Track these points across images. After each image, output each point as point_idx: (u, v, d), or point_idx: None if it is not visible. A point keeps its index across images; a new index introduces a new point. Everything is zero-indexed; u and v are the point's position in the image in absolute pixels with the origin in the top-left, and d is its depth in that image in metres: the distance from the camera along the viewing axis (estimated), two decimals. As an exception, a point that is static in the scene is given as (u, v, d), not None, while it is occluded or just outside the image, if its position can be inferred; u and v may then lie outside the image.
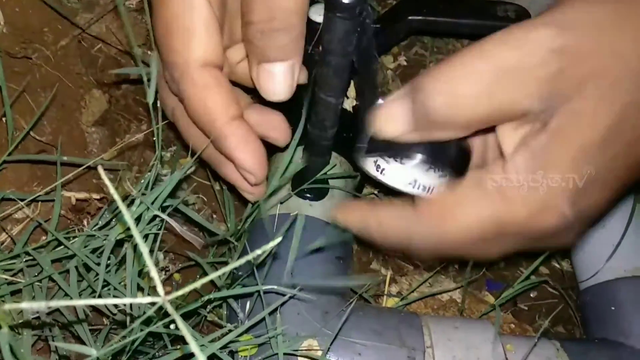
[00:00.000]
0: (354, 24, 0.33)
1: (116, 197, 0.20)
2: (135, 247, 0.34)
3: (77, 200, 0.43)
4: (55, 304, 0.17)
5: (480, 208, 0.30)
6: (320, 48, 0.35)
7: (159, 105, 0.38)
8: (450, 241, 0.31)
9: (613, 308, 0.46)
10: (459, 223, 0.30)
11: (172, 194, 0.39)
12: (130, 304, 0.32)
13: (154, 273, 0.19)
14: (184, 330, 0.17)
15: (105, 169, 0.48)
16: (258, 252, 0.23)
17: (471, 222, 0.30)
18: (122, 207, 0.20)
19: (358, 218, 0.35)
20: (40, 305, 0.18)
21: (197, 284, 0.21)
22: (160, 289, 0.18)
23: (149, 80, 0.35)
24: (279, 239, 0.23)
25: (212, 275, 0.22)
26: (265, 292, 0.34)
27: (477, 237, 0.30)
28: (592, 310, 0.49)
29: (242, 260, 0.21)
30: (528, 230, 0.29)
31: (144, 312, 0.32)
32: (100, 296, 0.34)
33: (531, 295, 0.60)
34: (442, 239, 0.31)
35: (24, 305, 0.17)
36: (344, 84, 0.37)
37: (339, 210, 0.36)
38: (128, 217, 0.20)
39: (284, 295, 0.35)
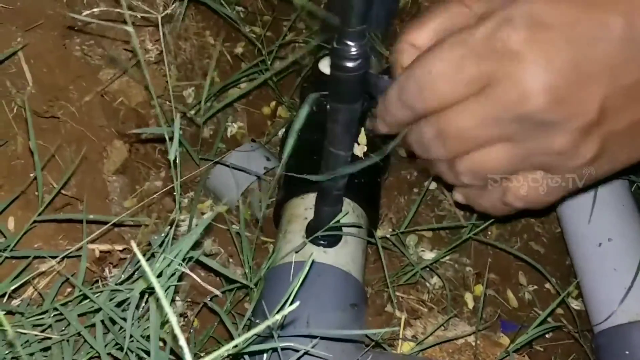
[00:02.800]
0: (359, 80, 0.35)
1: (141, 258, 0.22)
2: (157, 300, 0.35)
3: (100, 252, 0.45)
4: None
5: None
6: (328, 106, 0.37)
7: (178, 162, 0.40)
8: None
9: (627, 352, 0.46)
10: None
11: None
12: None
13: (182, 342, 0.20)
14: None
15: (126, 222, 0.50)
16: (277, 316, 0.24)
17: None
18: (146, 267, 0.21)
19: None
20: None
21: (220, 351, 0.23)
22: (188, 356, 0.20)
23: (171, 139, 0.37)
24: (295, 305, 0.24)
25: (230, 345, 0.23)
26: (283, 349, 0.35)
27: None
28: (607, 354, 0.49)
29: (261, 327, 0.22)
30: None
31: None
32: (127, 349, 0.35)
33: (547, 336, 0.60)
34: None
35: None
36: (352, 139, 0.39)
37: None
38: (152, 276, 0.21)
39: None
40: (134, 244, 0.21)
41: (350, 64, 0.34)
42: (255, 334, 0.39)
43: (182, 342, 0.21)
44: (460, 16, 0.35)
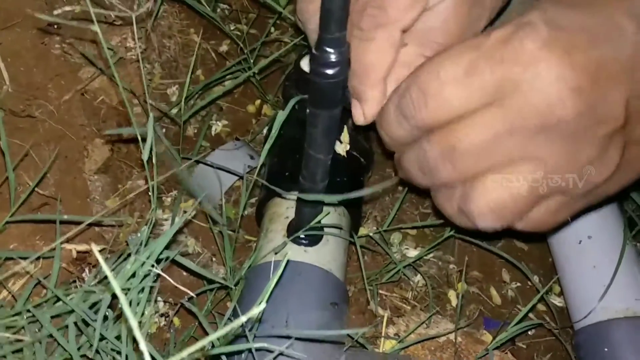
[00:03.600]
0: (338, 86, 0.35)
1: (101, 260, 0.21)
2: (131, 301, 0.35)
3: (77, 252, 0.45)
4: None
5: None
6: (307, 110, 0.37)
7: (154, 161, 0.40)
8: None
9: (606, 349, 0.46)
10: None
11: (172, 239, 0.40)
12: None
13: (142, 347, 0.20)
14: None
15: (106, 222, 0.49)
16: (250, 313, 0.24)
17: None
18: (107, 271, 0.21)
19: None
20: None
21: (193, 348, 0.22)
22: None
23: (144, 139, 0.37)
24: (261, 306, 0.24)
25: (206, 340, 0.23)
26: (257, 350, 0.35)
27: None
28: (587, 351, 0.49)
29: (234, 324, 0.22)
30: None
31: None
32: (97, 351, 0.35)
33: (529, 333, 0.60)
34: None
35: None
36: (331, 143, 0.39)
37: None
38: (115, 284, 0.21)
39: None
40: (94, 247, 0.21)
41: (329, 71, 0.34)
42: (231, 334, 0.39)
43: (143, 346, 0.20)
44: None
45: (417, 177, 0.34)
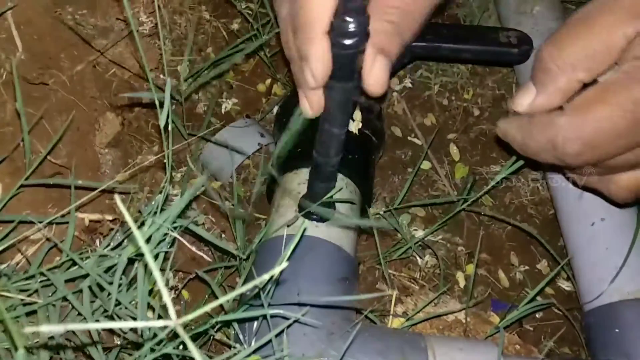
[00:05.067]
0: (356, 56, 0.35)
1: (128, 218, 0.21)
2: (146, 266, 0.35)
3: (90, 221, 0.45)
4: (72, 326, 0.18)
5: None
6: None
7: (170, 128, 0.39)
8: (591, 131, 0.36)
9: (617, 330, 0.46)
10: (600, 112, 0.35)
11: (182, 215, 0.40)
12: (140, 327, 0.33)
13: (166, 297, 0.20)
14: (196, 354, 0.18)
15: (117, 192, 0.49)
16: (265, 276, 0.24)
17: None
18: (133, 227, 0.21)
19: (516, 128, 0.41)
20: (59, 329, 0.19)
21: (207, 308, 0.22)
22: (172, 312, 0.19)
23: (162, 104, 0.36)
24: (284, 264, 0.23)
25: (221, 300, 0.23)
26: (272, 316, 0.35)
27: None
28: (596, 332, 0.49)
29: (249, 286, 0.22)
30: None
31: (155, 333, 0.33)
32: (112, 316, 0.35)
33: (537, 316, 0.60)
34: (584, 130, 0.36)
35: (43, 328, 0.18)
36: (347, 116, 0.39)
37: (500, 123, 0.43)
38: (139, 236, 0.21)
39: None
40: (123, 209, 0.21)
41: (346, 41, 0.34)
42: (244, 302, 0.39)
43: (166, 298, 0.20)
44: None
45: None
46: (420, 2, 0.39)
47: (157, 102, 0.35)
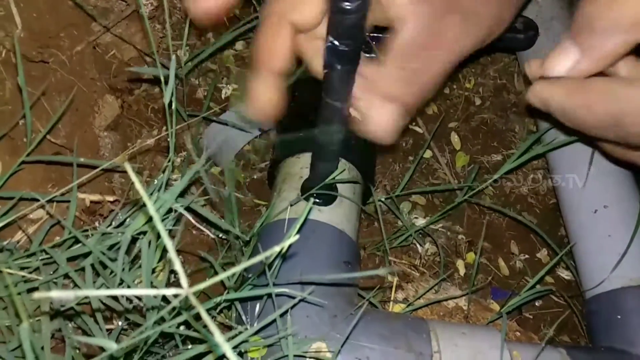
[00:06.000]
0: (359, 22, 0.33)
1: (140, 189, 0.21)
2: (149, 243, 0.35)
3: (90, 202, 0.44)
4: (83, 293, 0.17)
5: None
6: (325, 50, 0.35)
7: (173, 107, 0.39)
8: None
9: (619, 317, 0.46)
10: None
11: (181, 197, 0.39)
12: (144, 302, 0.33)
13: (177, 264, 0.20)
14: (209, 322, 0.17)
15: (116, 172, 0.49)
16: (270, 252, 0.23)
17: None
18: (143, 193, 0.20)
19: (563, 94, 0.34)
20: (69, 295, 0.18)
21: (216, 279, 0.22)
22: (184, 279, 0.19)
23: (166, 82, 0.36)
24: (290, 240, 0.23)
25: (224, 275, 0.22)
26: (276, 295, 0.35)
27: None
28: (598, 319, 0.49)
29: (254, 260, 0.22)
30: None
31: (157, 311, 0.32)
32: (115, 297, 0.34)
33: (536, 304, 0.60)
34: None
35: (54, 293, 0.18)
36: (349, 88, 0.38)
37: (538, 86, 0.35)
38: (149, 203, 0.20)
39: (293, 297, 0.36)
40: (136, 181, 0.20)
41: (348, 5, 0.33)
42: (248, 284, 0.38)
43: (177, 265, 0.20)
44: None
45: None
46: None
47: (162, 78, 0.34)
